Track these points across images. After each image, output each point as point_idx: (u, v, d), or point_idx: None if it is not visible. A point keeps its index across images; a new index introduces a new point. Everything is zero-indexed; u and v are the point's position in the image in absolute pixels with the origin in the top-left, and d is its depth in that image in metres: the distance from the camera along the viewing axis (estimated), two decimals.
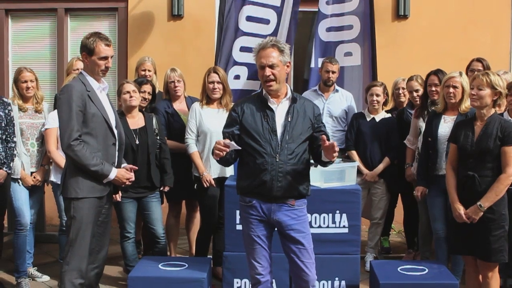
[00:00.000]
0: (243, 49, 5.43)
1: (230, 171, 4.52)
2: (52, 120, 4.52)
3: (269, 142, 3.23)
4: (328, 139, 3.19)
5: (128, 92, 4.40)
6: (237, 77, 5.53)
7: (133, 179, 3.74)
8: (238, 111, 3.33)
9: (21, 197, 4.48)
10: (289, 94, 3.33)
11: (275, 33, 5.49)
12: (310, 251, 3.34)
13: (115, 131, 3.64)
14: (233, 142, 3.11)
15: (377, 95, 5.02)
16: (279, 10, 5.56)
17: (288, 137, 3.24)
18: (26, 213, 4.50)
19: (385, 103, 5.18)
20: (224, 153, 3.10)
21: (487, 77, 3.63)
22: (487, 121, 3.66)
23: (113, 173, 3.54)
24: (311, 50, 5.90)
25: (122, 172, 3.63)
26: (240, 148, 3.18)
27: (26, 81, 4.56)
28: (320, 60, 5.58)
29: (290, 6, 5.57)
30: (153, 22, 6.69)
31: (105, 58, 3.55)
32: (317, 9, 5.83)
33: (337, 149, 3.11)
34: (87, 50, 3.53)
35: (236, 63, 5.49)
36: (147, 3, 6.67)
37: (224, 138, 3.32)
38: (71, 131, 3.41)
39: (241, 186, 3.38)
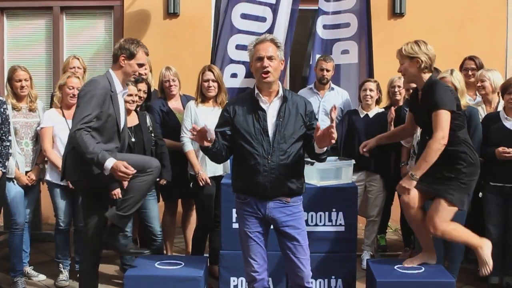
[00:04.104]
0: (239, 47, 5.42)
1: (226, 169, 4.52)
2: (47, 119, 4.51)
3: (261, 143, 3.22)
4: None
5: (131, 95, 4.38)
6: (234, 75, 5.50)
7: (131, 173, 3.54)
8: (230, 112, 3.32)
9: (16, 196, 4.46)
10: (281, 92, 3.31)
11: (270, 30, 5.47)
12: (305, 247, 3.34)
13: (121, 137, 3.71)
14: (210, 129, 3.09)
15: (370, 90, 5.05)
16: (274, 8, 5.54)
17: (279, 138, 3.22)
18: (22, 212, 4.49)
19: (378, 101, 5.18)
20: (210, 144, 3.13)
21: (403, 49, 3.74)
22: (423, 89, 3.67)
23: (110, 162, 3.43)
24: (311, 48, 5.90)
25: (119, 164, 3.45)
26: (213, 136, 3.16)
27: (20, 80, 4.53)
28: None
29: (286, 4, 5.56)
30: (149, 20, 6.68)
31: (142, 65, 3.69)
32: (315, 7, 5.84)
33: (333, 130, 3.02)
34: (128, 53, 3.63)
35: (232, 61, 5.47)
36: (143, 1, 6.66)
37: (216, 137, 3.31)
38: (86, 118, 3.43)
39: (235, 185, 3.39)
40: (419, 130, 4.58)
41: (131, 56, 3.64)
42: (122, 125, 3.71)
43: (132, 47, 3.64)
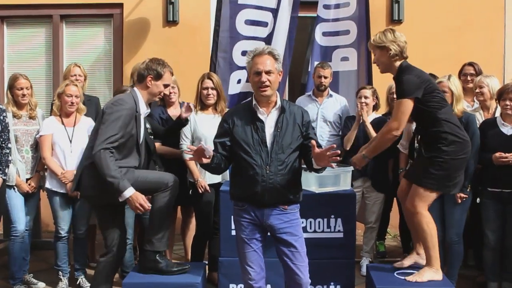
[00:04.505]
0: (244, 53, 5.43)
1: (225, 176, 4.53)
2: (46, 127, 4.53)
3: (259, 153, 3.24)
4: (319, 146, 3.19)
5: None
6: (239, 81, 5.56)
7: (147, 208, 3.61)
8: (229, 123, 3.34)
9: (16, 203, 4.48)
10: (279, 103, 3.33)
11: (271, 35, 5.51)
12: (303, 254, 3.35)
13: (140, 156, 3.75)
14: (207, 147, 3.13)
15: (365, 97, 5.07)
16: (275, 13, 5.57)
17: (277, 148, 3.25)
18: (22, 220, 4.50)
19: (375, 108, 5.20)
20: (209, 160, 3.18)
21: (372, 39, 3.74)
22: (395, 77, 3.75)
23: (129, 192, 3.48)
24: (309, 55, 5.92)
25: (138, 196, 3.52)
26: (212, 152, 3.19)
27: (22, 88, 4.55)
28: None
29: (286, 9, 5.58)
30: (149, 28, 6.71)
31: (168, 85, 3.78)
32: (314, 15, 5.86)
33: (331, 153, 3.03)
34: (155, 74, 3.69)
35: (238, 68, 5.51)
36: (143, 10, 6.69)
37: (215, 148, 3.34)
38: (112, 138, 3.48)
39: (233, 193, 3.41)
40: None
41: (158, 76, 3.69)
42: (141, 142, 3.76)
43: (159, 68, 3.69)
